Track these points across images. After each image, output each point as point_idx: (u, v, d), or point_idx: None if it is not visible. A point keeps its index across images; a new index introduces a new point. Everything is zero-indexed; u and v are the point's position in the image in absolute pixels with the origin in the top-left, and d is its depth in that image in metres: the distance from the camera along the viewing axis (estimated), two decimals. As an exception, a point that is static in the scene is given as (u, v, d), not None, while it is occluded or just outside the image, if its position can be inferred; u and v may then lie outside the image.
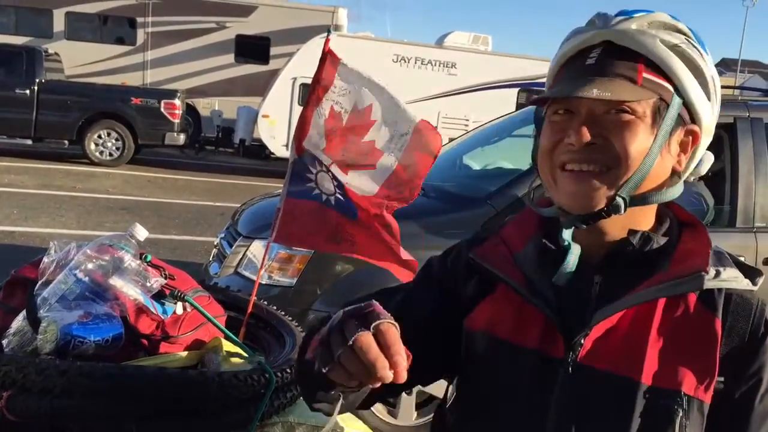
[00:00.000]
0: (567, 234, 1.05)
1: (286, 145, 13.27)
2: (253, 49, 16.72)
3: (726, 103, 4.30)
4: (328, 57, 1.92)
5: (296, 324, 1.82)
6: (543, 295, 1.06)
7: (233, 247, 4.22)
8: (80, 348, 1.37)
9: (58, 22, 16.51)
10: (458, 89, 13.83)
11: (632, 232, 1.06)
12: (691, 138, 1.08)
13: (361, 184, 1.98)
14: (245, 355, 1.58)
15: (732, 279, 1.03)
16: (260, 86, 15.30)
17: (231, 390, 1.39)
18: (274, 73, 14.64)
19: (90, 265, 1.46)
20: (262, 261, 2.14)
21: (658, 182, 1.06)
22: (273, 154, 14.13)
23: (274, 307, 1.93)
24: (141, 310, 1.49)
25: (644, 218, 1.08)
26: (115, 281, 1.46)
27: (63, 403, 1.29)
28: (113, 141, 12.97)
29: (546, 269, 1.08)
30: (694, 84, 1.04)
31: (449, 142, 6.00)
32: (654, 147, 1.02)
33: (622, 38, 1.02)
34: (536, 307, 1.06)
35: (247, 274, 4.03)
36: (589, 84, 0.99)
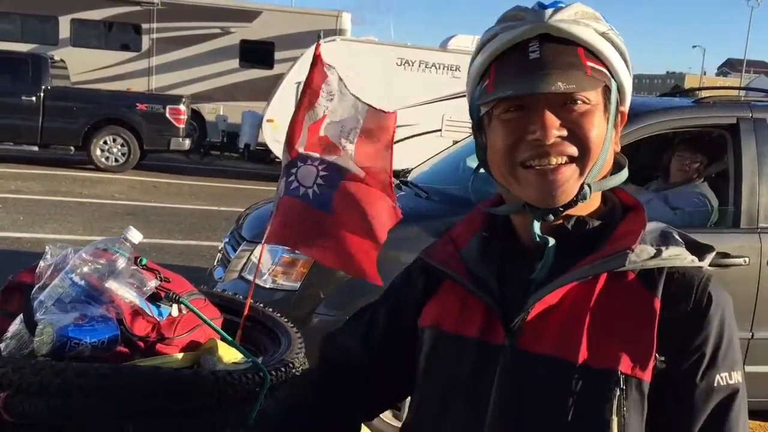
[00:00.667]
0: (537, 227, 1.06)
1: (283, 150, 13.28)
2: (257, 54, 16.77)
3: (729, 104, 4.32)
4: (318, 61, 1.94)
5: (292, 325, 1.83)
6: (485, 285, 1.09)
7: (237, 252, 4.25)
8: (76, 350, 1.39)
9: (64, 29, 16.58)
10: (462, 92, 13.49)
11: (567, 218, 1.08)
12: (620, 119, 1.12)
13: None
14: (241, 355, 1.60)
15: (674, 257, 1.03)
16: (265, 91, 15.32)
17: (226, 388, 1.41)
18: (278, 78, 14.66)
19: (85, 269, 1.47)
20: (258, 263, 2.16)
21: (610, 166, 1.10)
22: (278, 158, 14.12)
23: (270, 309, 1.94)
24: (136, 312, 1.51)
25: (593, 203, 1.10)
26: (111, 284, 1.48)
27: (59, 404, 1.31)
28: (119, 147, 13.03)
29: (489, 261, 1.12)
30: (622, 67, 1.08)
31: (453, 144, 6.01)
32: (608, 132, 1.06)
33: (561, 31, 1.03)
34: (477, 296, 1.08)
35: (251, 278, 4.05)
36: (550, 78, 1.00)
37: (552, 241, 1.06)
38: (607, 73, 1.06)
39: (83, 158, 13.04)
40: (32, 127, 12.57)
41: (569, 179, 1.03)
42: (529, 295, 1.05)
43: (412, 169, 5.15)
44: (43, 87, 12.65)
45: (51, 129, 12.69)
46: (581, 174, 1.04)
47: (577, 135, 1.03)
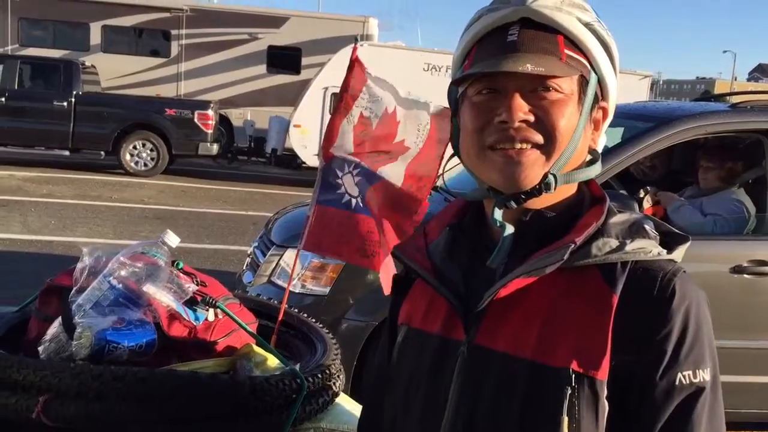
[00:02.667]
0: (498, 214, 1.03)
1: (318, 155, 13.32)
2: (284, 59, 16.87)
3: (765, 109, 4.24)
4: (355, 65, 1.93)
5: (327, 331, 1.82)
6: (449, 280, 1.07)
7: (266, 256, 4.25)
8: (114, 353, 1.39)
9: (95, 36, 16.84)
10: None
11: (529, 210, 1.04)
12: (601, 114, 1.09)
13: (390, 175, 2.00)
14: (277, 361, 1.58)
15: (637, 250, 0.99)
16: (292, 96, 15.41)
17: (262, 395, 1.39)
18: (305, 83, 14.74)
19: (123, 272, 1.47)
20: (292, 268, 2.15)
21: (581, 160, 1.06)
22: (304, 163, 14.21)
23: (305, 315, 1.93)
24: (173, 316, 1.51)
25: (560, 196, 1.06)
26: (148, 288, 1.47)
27: (97, 408, 1.31)
28: (148, 152, 13.18)
29: (456, 256, 1.10)
30: (606, 61, 1.06)
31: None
32: (580, 124, 1.02)
33: (541, 16, 1.01)
34: (439, 293, 1.06)
35: (280, 282, 4.05)
36: (521, 59, 0.98)
37: (510, 228, 1.03)
38: (587, 63, 1.04)
39: (113, 163, 13.21)
40: (63, 132, 12.77)
41: (533, 164, 1.00)
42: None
43: (441, 174, 5.13)
44: (75, 92, 12.84)
45: (82, 134, 12.87)
46: (545, 163, 1.01)
47: (544, 123, 0.99)
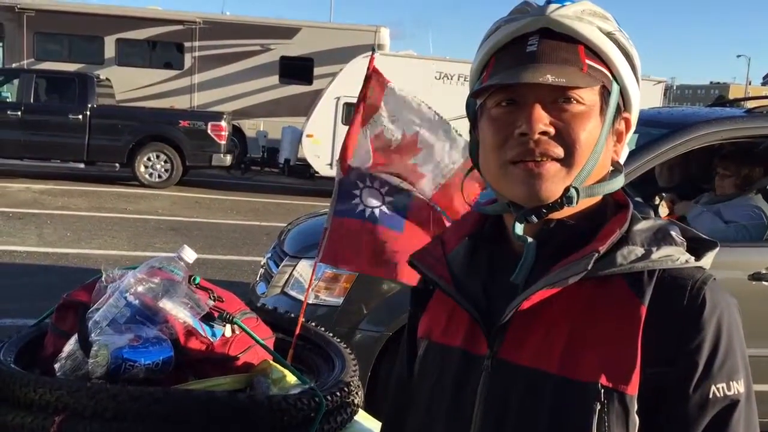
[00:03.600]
0: (520, 228, 1.01)
1: (331, 164, 13.33)
2: (297, 70, 16.94)
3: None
4: (373, 76, 1.92)
5: (345, 345, 1.80)
6: (469, 292, 1.04)
7: (280, 267, 4.24)
8: (131, 372, 1.38)
9: (109, 49, 16.98)
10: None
11: (551, 221, 1.01)
12: (624, 126, 1.06)
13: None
14: (295, 377, 1.57)
15: (664, 258, 0.95)
16: (304, 106, 15.46)
17: (281, 414, 1.37)
18: (317, 94, 14.78)
19: (140, 288, 1.46)
20: (309, 281, 2.13)
21: (603, 173, 1.04)
22: (317, 173, 14.23)
23: (322, 328, 1.91)
24: (190, 332, 1.49)
25: (582, 205, 1.02)
26: (165, 304, 1.46)
27: (114, 428, 1.29)
28: (162, 163, 13.24)
29: (475, 266, 1.07)
30: (628, 71, 1.03)
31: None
32: (602, 136, 1.00)
33: (561, 26, 0.99)
34: (460, 305, 1.04)
35: (293, 293, 4.04)
36: (540, 69, 0.95)
37: (533, 244, 1.00)
38: (608, 74, 1.01)
39: (128, 175, 13.28)
40: (79, 144, 12.86)
41: (554, 177, 0.97)
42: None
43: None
44: (90, 105, 12.93)
45: (97, 146, 12.96)
46: (567, 176, 0.98)
47: (564, 136, 0.97)
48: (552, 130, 0.96)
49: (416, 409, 1.10)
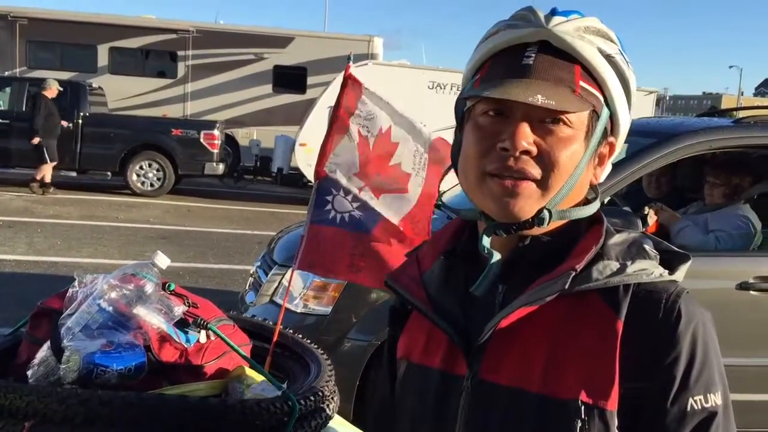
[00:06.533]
0: (486, 241, 1.00)
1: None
2: (290, 79, 16.97)
3: (768, 123, 4.21)
4: (348, 82, 1.93)
5: (322, 352, 1.79)
6: (447, 312, 1.03)
7: (269, 276, 4.24)
8: (103, 377, 1.37)
9: (102, 57, 16.99)
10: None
11: (523, 237, 1.01)
12: (608, 150, 1.05)
13: (390, 209, 1.98)
14: (269, 382, 1.56)
15: (639, 272, 0.96)
16: (297, 115, 15.47)
17: (253, 418, 1.37)
18: (310, 103, 14.80)
19: (113, 294, 1.45)
20: (287, 288, 2.13)
21: (581, 196, 1.03)
22: (310, 182, 14.23)
23: (300, 335, 1.91)
24: (164, 338, 1.48)
25: (556, 222, 1.02)
26: (138, 310, 1.45)
27: (84, 433, 1.28)
28: (154, 172, 13.24)
29: (452, 284, 1.06)
30: (621, 96, 1.02)
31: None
32: (583, 160, 0.99)
33: (561, 41, 0.97)
34: (437, 326, 1.03)
35: (282, 302, 4.04)
36: (531, 87, 0.94)
37: (497, 256, 0.99)
38: (601, 98, 1.00)
39: (120, 183, 13.26)
40: (71, 153, 12.83)
41: (529, 197, 0.96)
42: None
43: (445, 191, 5.11)
44: (82, 114, 12.93)
45: (89, 155, 12.96)
46: (542, 197, 0.97)
47: (545, 158, 0.96)
48: (534, 150, 0.95)
49: (400, 428, 1.10)
